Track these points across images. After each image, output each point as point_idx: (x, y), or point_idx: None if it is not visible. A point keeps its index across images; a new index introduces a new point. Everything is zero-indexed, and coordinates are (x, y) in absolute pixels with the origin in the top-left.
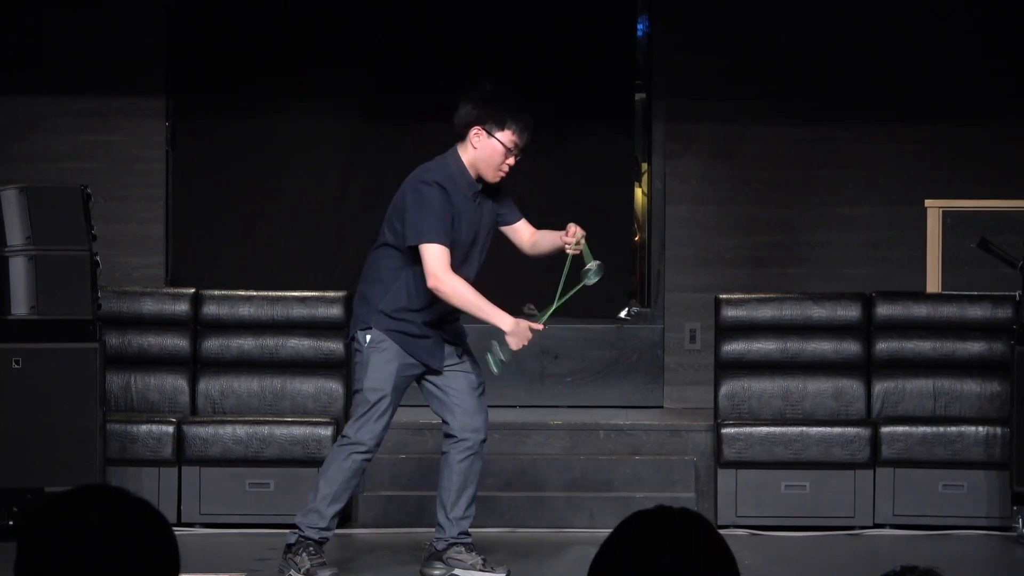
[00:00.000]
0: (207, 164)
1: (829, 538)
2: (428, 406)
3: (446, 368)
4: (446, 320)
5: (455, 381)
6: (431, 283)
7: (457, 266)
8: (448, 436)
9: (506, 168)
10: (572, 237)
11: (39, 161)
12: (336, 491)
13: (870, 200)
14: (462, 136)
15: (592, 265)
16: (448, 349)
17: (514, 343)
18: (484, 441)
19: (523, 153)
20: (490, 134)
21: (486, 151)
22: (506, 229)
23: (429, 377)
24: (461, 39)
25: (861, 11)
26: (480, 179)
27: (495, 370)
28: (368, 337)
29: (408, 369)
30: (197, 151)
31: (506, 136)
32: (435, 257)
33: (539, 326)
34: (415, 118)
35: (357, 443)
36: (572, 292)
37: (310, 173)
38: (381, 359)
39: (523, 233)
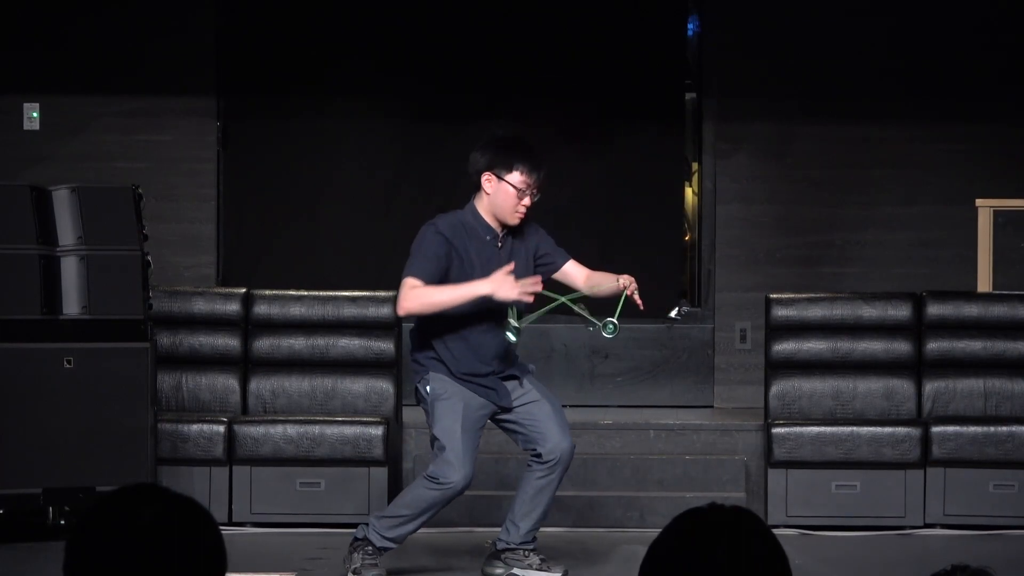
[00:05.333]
0: (258, 164)
1: (879, 538)
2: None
3: (517, 404)
4: (492, 370)
5: (532, 412)
6: (399, 312)
7: (484, 314)
8: (535, 456)
9: (523, 209)
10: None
11: (90, 161)
12: (410, 515)
13: (920, 199)
14: (477, 186)
15: (612, 322)
16: (511, 384)
17: (503, 293)
18: (568, 463)
19: (540, 192)
20: (500, 178)
21: (499, 195)
22: (557, 276)
23: (503, 416)
24: (512, 38)
25: (912, 10)
26: (505, 226)
27: (512, 339)
28: (429, 388)
29: (477, 409)
30: (248, 151)
31: (515, 177)
32: (404, 287)
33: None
34: (465, 117)
35: (444, 483)
36: (563, 304)
37: (361, 172)
38: (447, 405)
39: (576, 275)
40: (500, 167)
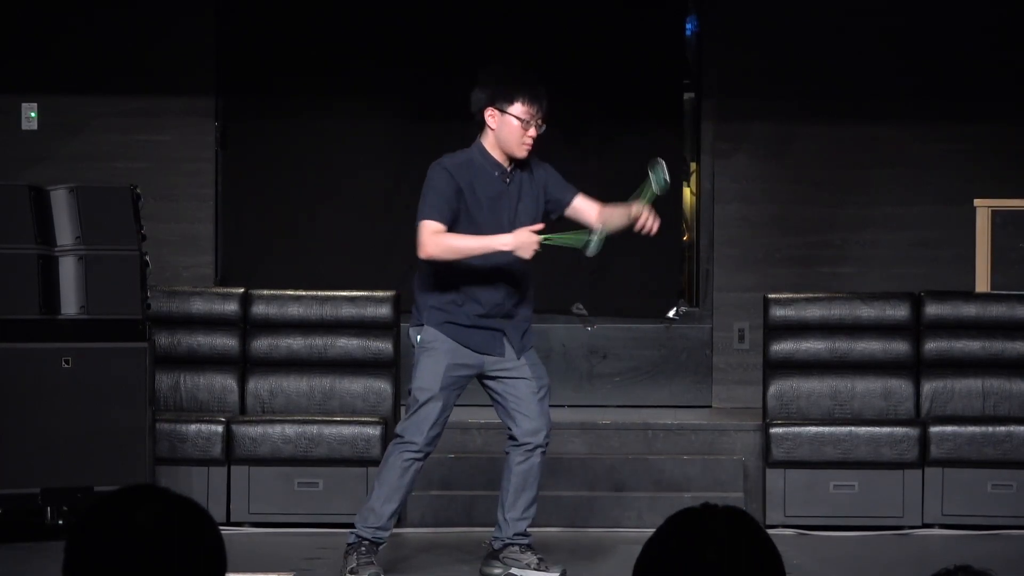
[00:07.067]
0: (256, 163)
1: (878, 538)
2: (491, 407)
3: (506, 374)
4: (500, 312)
5: (516, 388)
6: (421, 255)
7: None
8: (511, 439)
9: (529, 140)
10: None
11: (89, 161)
12: (389, 490)
13: (919, 199)
14: (481, 124)
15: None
16: (509, 350)
17: (524, 253)
18: (546, 446)
19: (545, 123)
20: (503, 111)
21: (504, 129)
22: (568, 213)
23: (489, 383)
24: (512, 37)
25: (911, 10)
26: (513, 160)
27: (592, 251)
28: (419, 337)
29: (459, 369)
30: (246, 150)
31: (518, 109)
32: (425, 231)
33: (536, 235)
34: (464, 116)
35: (408, 442)
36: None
37: (359, 172)
38: (430, 360)
39: (587, 210)
40: (502, 100)
